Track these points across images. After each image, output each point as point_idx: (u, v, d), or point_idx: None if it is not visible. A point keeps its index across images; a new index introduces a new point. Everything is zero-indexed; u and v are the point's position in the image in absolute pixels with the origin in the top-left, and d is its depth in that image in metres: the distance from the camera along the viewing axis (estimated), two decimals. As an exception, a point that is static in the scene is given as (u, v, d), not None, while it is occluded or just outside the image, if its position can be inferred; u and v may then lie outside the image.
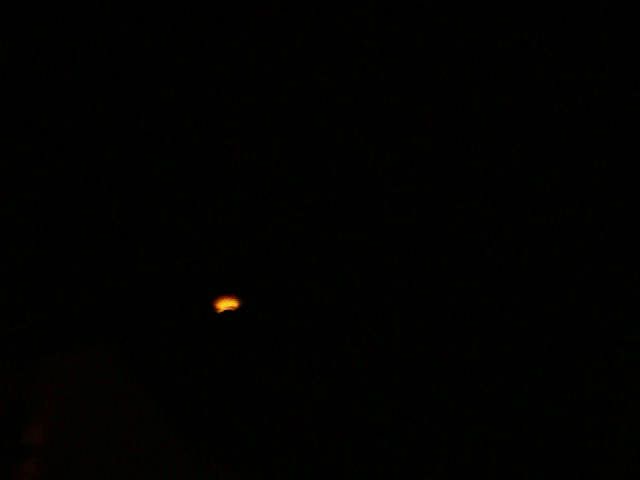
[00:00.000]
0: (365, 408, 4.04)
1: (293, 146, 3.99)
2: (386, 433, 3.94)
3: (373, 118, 3.81)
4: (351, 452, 3.99)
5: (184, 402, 4.14)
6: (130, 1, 3.42)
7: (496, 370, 3.91)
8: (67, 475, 3.94)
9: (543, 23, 3.45)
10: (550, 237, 3.82)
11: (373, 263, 4.08)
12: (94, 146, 4.01)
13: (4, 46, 3.54)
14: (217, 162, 4.09)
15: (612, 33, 3.45)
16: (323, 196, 4.09)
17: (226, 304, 4.03)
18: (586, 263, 3.77)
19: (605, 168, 3.63)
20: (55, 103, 3.74)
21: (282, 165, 4.03)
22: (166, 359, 4.22)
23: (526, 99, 3.68)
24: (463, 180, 3.88)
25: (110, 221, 4.24)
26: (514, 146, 3.78)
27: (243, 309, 4.07)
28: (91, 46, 3.60)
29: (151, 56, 3.63)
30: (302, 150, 3.98)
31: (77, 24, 3.58)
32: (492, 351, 3.93)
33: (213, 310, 4.09)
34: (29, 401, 4.08)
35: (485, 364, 3.91)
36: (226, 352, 4.30)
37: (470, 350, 3.96)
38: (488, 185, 3.87)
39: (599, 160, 3.65)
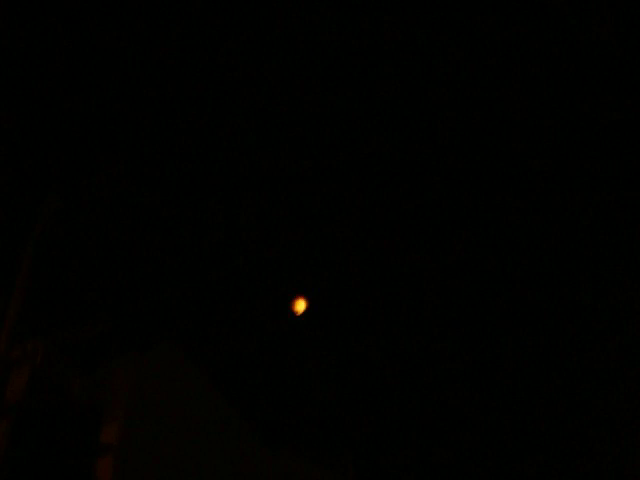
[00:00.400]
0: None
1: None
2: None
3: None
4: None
5: (253, 396, 4.21)
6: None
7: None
8: (141, 472, 4.02)
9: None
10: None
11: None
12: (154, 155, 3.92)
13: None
14: (289, 162, 4.03)
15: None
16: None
17: (297, 305, 4.03)
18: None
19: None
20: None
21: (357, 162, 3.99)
22: (235, 357, 4.26)
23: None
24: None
25: (180, 223, 4.18)
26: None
27: (311, 310, 4.09)
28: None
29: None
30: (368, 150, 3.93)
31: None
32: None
33: (283, 309, 4.10)
34: (104, 401, 4.11)
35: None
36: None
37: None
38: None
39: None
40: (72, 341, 4.05)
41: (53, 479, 3.90)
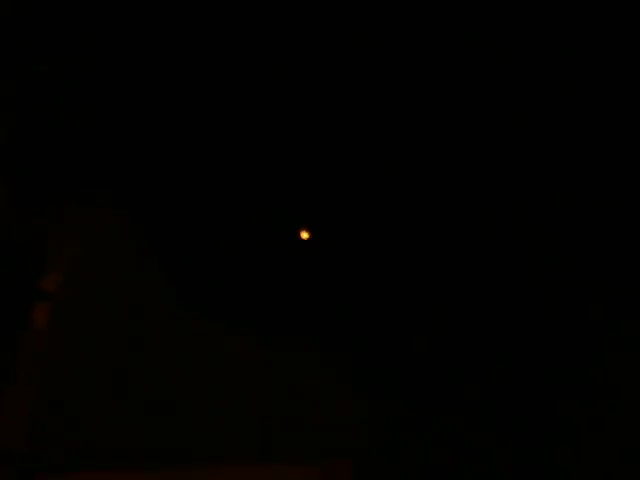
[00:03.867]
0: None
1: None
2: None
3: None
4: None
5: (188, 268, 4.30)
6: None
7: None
8: (77, 322, 4.11)
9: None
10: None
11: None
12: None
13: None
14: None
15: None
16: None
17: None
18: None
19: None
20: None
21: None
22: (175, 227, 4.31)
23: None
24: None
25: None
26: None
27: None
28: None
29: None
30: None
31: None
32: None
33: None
34: (46, 250, 4.14)
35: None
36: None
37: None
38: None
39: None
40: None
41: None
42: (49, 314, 4.10)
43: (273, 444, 4.09)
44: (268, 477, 3.97)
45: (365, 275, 4.31)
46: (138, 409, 4.17)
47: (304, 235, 4.25)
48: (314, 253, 4.43)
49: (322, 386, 4.28)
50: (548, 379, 4.22)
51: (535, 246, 4.17)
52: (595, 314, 4.04)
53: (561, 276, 4.08)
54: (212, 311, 4.35)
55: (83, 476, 3.87)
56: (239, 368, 4.38)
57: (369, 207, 4.33)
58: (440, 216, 4.25)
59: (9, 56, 3.79)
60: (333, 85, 4.09)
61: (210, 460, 4.01)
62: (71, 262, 4.17)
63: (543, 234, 4.12)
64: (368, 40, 3.86)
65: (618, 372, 4.05)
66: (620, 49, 3.65)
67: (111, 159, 4.40)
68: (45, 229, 4.10)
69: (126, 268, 4.38)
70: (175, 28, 4.10)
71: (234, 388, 4.34)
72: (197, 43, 4.15)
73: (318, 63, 4.00)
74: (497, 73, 3.90)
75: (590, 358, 4.14)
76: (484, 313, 4.34)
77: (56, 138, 4.30)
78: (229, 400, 4.36)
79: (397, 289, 4.29)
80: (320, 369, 4.26)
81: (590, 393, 4.12)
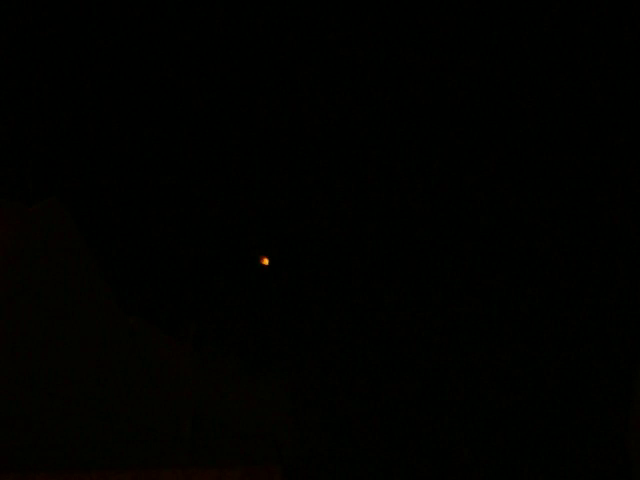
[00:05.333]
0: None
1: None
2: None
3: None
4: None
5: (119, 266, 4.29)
6: None
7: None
8: (12, 321, 4.10)
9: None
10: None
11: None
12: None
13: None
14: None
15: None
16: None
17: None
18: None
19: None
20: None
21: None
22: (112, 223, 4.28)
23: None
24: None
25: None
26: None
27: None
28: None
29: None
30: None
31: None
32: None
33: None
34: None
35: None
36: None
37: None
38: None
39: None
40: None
41: None
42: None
43: (203, 450, 4.13)
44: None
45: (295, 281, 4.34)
46: (65, 412, 4.19)
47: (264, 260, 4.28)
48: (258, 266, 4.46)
49: (253, 394, 4.32)
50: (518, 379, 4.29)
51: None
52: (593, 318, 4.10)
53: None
54: (145, 313, 4.36)
55: (2, 477, 3.88)
56: (170, 374, 4.40)
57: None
58: (418, 217, 4.28)
59: None
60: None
61: (138, 465, 4.05)
62: (6, 259, 4.16)
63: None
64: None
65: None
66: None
67: (49, 157, 4.39)
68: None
69: (63, 265, 4.38)
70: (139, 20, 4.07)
71: (164, 393, 4.36)
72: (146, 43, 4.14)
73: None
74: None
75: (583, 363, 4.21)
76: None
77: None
78: (159, 405, 4.39)
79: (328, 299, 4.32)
80: (251, 377, 4.29)
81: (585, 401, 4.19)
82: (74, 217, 3.97)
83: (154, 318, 3.90)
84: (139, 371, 3.94)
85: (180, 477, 3.77)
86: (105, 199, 3.73)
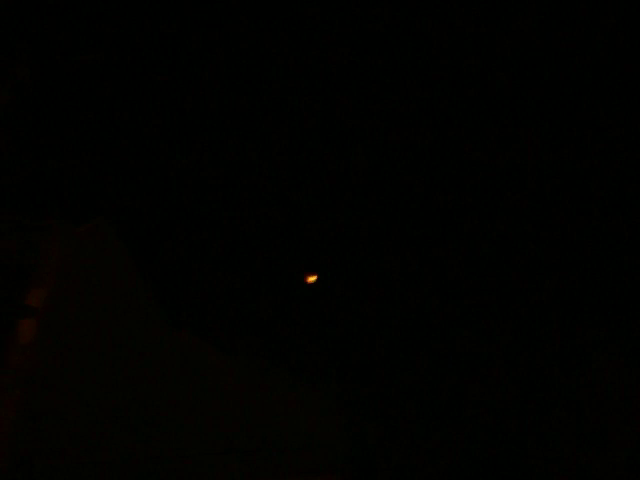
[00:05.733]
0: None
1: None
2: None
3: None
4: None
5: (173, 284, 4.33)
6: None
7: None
8: (64, 338, 4.12)
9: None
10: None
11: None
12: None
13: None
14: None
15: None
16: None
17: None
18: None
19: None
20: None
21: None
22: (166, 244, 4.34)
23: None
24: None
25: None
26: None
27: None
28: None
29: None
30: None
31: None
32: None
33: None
34: (32, 265, 4.16)
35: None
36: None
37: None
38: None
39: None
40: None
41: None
42: (35, 329, 4.13)
43: (259, 462, 4.11)
44: None
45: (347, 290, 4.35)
46: (124, 422, 4.19)
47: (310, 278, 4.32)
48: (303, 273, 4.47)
49: (308, 404, 4.31)
50: (540, 389, 4.23)
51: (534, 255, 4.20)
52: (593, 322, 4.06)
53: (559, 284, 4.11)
54: (198, 328, 4.38)
55: None
56: (223, 385, 4.40)
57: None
58: (429, 224, 4.28)
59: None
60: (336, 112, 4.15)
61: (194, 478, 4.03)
62: (57, 277, 4.20)
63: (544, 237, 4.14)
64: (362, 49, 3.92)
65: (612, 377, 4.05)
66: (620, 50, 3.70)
67: (101, 175, 4.44)
68: (31, 244, 4.13)
69: (112, 283, 4.41)
70: (163, 32, 4.14)
71: (218, 406, 4.36)
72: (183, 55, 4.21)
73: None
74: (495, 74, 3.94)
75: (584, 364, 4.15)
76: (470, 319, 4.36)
77: (46, 153, 4.34)
78: (213, 418, 4.38)
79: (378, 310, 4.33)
80: (305, 388, 4.29)
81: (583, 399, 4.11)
82: (122, 236, 4.05)
83: (204, 332, 3.96)
84: (193, 383, 3.97)
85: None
86: (152, 217, 3.80)
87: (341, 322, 4.29)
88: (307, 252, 4.41)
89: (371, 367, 4.39)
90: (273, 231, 4.33)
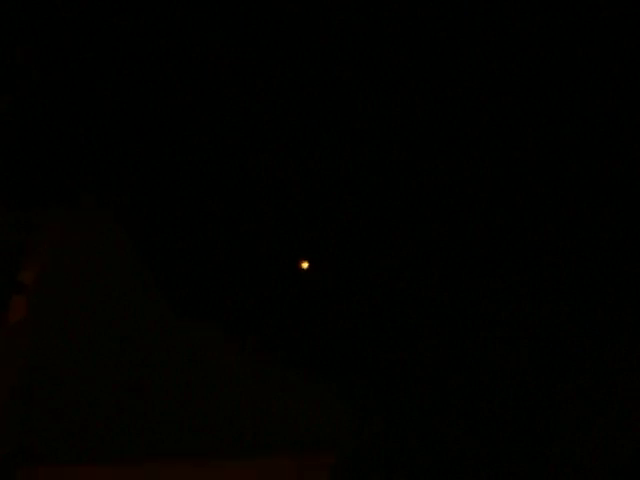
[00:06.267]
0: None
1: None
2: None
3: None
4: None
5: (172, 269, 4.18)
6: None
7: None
8: (55, 315, 3.97)
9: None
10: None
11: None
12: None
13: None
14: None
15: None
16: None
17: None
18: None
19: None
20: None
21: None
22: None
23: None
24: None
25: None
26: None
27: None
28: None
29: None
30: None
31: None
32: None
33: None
34: (25, 243, 3.99)
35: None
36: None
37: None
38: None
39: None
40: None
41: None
42: (25, 307, 3.97)
43: (256, 440, 4.02)
44: (252, 470, 3.93)
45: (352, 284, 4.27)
46: (120, 402, 4.05)
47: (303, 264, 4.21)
48: (310, 267, 4.37)
49: (305, 385, 4.22)
50: (544, 386, 4.23)
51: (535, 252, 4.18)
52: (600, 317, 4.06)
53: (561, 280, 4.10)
54: (194, 311, 4.25)
55: (68, 469, 3.75)
56: (224, 367, 4.30)
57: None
58: (435, 222, 4.23)
59: None
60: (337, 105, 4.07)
61: (196, 455, 3.92)
62: (49, 256, 4.03)
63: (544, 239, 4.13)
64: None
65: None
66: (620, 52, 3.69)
67: (96, 158, 4.28)
68: (25, 224, 3.98)
69: (105, 263, 4.27)
70: (163, 28, 4.03)
71: (219, 386, 4.25)
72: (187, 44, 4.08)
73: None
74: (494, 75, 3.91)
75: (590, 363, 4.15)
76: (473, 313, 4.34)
77: (41, 138, 4.19)
78: (213, 397, 4.27)
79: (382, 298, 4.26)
80: (303, 368, 4.20)
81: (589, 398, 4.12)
82: (117, 216, 3.89)
83: (214, 324, 3.85)
84: (192, 365, 3.87)
85: (241, 466, 3.71)
86: (147, 197, 3.64)
87: (346, 313, 4.22)
88: (313, 243, 4.32)
89: (375, 356, 4.33)
90: (281, 220, 4.22)
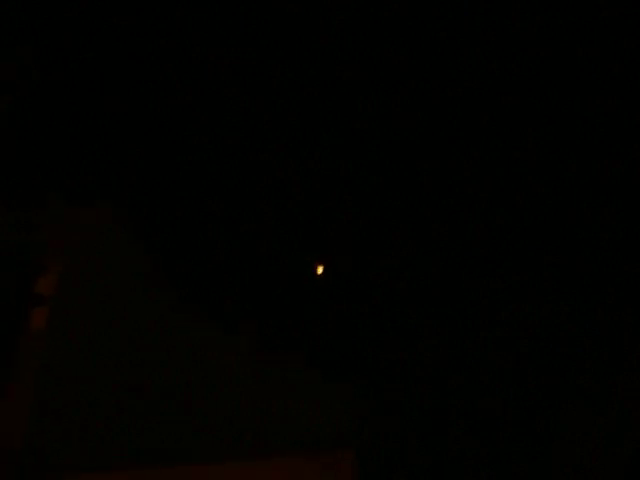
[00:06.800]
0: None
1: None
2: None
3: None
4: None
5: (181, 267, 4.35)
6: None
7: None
8: (75, 324, 4.18)
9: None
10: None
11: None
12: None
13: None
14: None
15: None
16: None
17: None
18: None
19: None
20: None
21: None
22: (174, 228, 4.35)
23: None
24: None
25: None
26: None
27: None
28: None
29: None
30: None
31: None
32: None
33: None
34: (42, 254, 4.21)
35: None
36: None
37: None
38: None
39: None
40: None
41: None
42: (47, 316, 4.19)
43: (273, 438, 4.16)
44: (270, 470, 4.05)
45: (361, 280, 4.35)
46: (138, 409, 4.26)
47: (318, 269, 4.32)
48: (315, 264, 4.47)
49: (321, 381, 4.33)
50: (552, 384, 4.22)
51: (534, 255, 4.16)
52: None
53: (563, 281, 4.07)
54: (210, 312, 4.42)
55: (85, 477, 3.95)
56: (235, 365, 4.44)
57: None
58: (440, 220, 4.25)
59: None
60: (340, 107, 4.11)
61: (211, 458, 4.09)
62: (68, 264, 4.24)
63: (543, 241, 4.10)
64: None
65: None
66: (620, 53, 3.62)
67: (109, 159, 4.46)
68: (42, 231, 4.17)
69: (124, 269, 4.45)
70: (169, 28, 4.13)
71: (231, 385, 4.41)
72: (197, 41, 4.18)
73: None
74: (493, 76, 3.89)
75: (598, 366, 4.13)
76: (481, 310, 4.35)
77: (52, 138, 4.37)
78: (227, 398, 4.43)
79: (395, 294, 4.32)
80: (318, 362, 4.31)
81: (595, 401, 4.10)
82: (130, 219, 4.07)
83: (218, 313, 3.99)
84: (206, 366, 4.04)
85: (256, 467, 3.85)
86: (159, 199, 3.80)
87: (346, 313, 4.29)
88: (320, 240, 4.40)
89: (375, 356, 4.40)
90: (281, 219, 4.32)
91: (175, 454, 4.16)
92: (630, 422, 3.97)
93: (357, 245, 4.22)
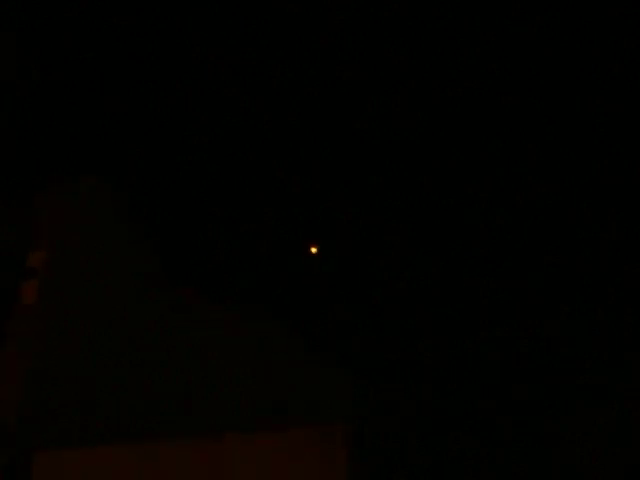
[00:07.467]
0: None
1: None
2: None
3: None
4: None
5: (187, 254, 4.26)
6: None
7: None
8: (65, 298, 4.04)
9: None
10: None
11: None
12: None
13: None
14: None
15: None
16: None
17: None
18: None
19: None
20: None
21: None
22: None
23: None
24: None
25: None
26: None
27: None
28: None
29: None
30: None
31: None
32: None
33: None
34: (33, 228, 4.11)
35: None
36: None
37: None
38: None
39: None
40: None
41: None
42: (37, 290, 4.05)
43: (271, 412, 4.00)
44: (270, 443, 3.89)
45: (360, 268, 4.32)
46: (130, 383, 4.07)
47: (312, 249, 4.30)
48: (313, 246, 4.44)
49: (317, 357, 4.22)
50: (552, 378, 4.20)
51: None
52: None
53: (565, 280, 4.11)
54: (200, 287, 4.30)
55: (77, 452, 3.74)
56: (230, 342, 4.30)
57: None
58: (441, 218, 4.30)
59: None
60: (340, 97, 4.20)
61: (211, 431, 3.90)
62: (58, 238, 4.13)
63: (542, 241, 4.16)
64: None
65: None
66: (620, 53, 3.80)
67: (96, 134, 4.41)
68: (30, 206, 4.07)
69: (113, 243, 4.35)
70: (160, 17, 4.19)
71: (227, 362, 4.25)
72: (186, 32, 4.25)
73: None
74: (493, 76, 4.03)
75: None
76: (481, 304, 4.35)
77: (40, 113, 4.32)
78: (224, 373, 4.27)
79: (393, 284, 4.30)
80: (313, 338, 4.21)
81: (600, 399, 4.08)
82: (121, 192, 3.98)
83: (210, 288, 3.85)
84: (199, 342, 3.89)
85: (245, 440, 3.66)
86: (152, 173, 3.71)
87: (346, 313, 4.25)
88: (320, 222, 4.38)
89: (375, 356, 4.33)
90: (287, 211, 4.31)
91: (175, 428, 3.96)
92: (630, 422, 3.97)
93: (358, 245, 4.23)
